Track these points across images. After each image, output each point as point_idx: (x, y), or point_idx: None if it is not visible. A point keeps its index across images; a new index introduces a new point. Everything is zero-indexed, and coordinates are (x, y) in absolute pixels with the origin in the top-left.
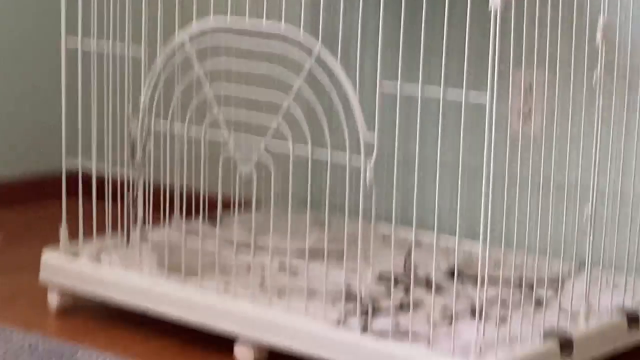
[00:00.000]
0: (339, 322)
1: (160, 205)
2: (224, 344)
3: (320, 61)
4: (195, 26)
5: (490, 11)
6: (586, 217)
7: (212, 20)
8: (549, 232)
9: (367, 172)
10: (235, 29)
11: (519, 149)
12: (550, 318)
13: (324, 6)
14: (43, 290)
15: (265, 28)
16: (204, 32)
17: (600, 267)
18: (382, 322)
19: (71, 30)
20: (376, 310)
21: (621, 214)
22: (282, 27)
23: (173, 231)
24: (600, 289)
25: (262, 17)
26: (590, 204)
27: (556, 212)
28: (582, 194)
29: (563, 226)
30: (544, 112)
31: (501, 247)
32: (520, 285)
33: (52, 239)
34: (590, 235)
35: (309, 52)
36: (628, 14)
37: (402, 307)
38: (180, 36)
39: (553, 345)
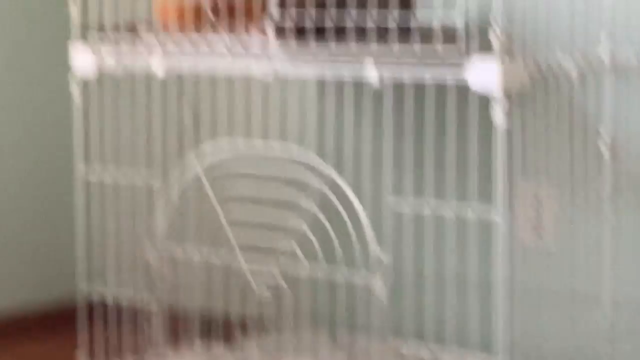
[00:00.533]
0: None
1: (177, 329)
2: None
3: (330, 181)
4: (209, 156)
5: (495, 128)
6: (603, 328)
7: (225, 146)
8: (566, 345)
9: (380, 290)
10: (248, 153)
11: (531, 262)
12: None
13: (332, 126)
14: None
15: (277, 152)
16: (218, 161)
17: None
18: None
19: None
20: None
21: (637, 323)
22: (294, 151)
23: (191, 356)
24: None
25: (270, 138)
26: (606, 315)
27: (572, 324)
28: (597, 305)
29: (579, 339)
30: (553, 225)
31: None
32: None
33: None
34: (608, 348)
35: (320, 173)
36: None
37: None
38: (194, 167)
39: None
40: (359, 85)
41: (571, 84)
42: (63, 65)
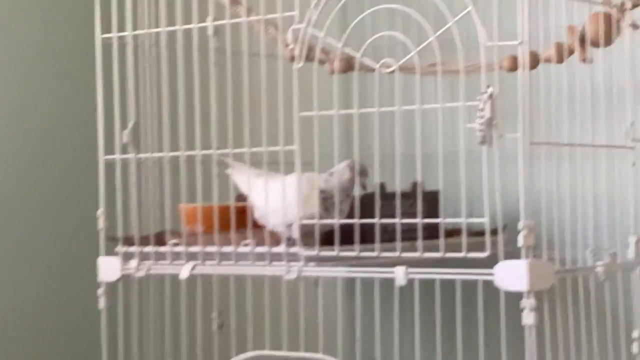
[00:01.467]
0: None
1: None
2: None
3: None
4: (235, 358)
5: (524, 326)
6: None
7: (250, 351)
8: None
9: None
10: (275, 355)
11: None
12: None
13: (360, 329)
14: None
15: (304, 357)
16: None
17: None
18: None
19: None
20: None
21: None
22: (321, 355)
23: None
24: None
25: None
26: None
27: None
28: None
29: None
30: None
31: None
32: None
33: None
34: None
35: None
36: None
37: None
38: None
39: None
40: (389, 282)
41: (599, 282)
42: (91, 272)
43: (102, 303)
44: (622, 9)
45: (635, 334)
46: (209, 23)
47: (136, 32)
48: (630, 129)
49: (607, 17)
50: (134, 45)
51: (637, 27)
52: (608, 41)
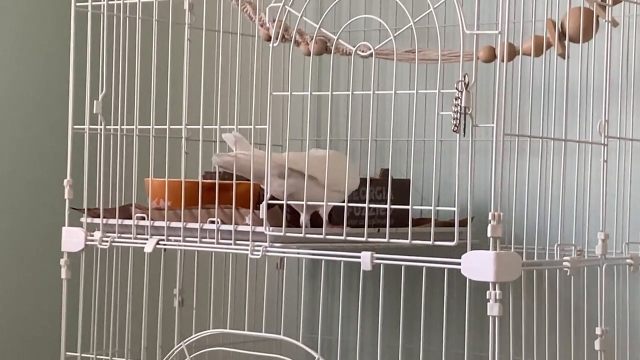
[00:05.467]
0: None
1: None
2: None
3: None
4: (195, 333)
5: (489, 317)
6: None
7: (210, 329)
8: None
9: None
10: (235, 334)
11: None
12: None
13: (322, 314)
14: None
15: (264, 337)
16: (202, 340)
17: None
18: None
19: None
20: None
21: None
22: (281, 336)
23: None
24: None
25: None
26: None
27: None
28: None
29: None
30: None
31: None
32: None
33: None
34: None
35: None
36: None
37: None
38: (179, 345)
39: None
40: (353, 266)
41: (565, 277)
42: (56, 242)
43: (64, 273)
44: (602, 4)
45: (598, 331)
46: None
47: (111, 2)
48: (603, 125)
49: (587, 13)
50: (108, 15)
51: (617, 24)
52: (587, 37)
